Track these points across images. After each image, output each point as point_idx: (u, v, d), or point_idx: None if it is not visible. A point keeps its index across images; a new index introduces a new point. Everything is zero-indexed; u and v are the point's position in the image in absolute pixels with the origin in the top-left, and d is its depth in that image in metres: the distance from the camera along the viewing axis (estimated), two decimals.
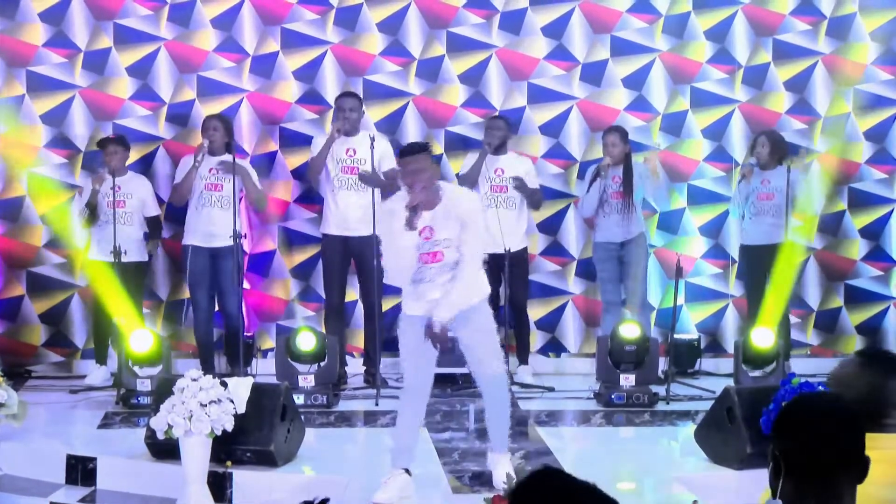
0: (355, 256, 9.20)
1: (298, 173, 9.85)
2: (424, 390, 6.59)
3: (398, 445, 6.60)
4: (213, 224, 9.02)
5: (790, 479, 2.86)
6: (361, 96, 9.60)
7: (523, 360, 9.45)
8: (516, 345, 9.41)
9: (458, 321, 6.43)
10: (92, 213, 9.11)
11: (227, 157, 8.92)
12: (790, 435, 2.90)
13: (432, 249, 6.37)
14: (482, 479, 6.85)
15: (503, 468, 6.42)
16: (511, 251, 8.86)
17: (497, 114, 9.70)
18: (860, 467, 2.90)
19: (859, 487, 2.96)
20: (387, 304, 9.68)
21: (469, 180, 9.32)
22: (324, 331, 9.13)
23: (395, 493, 6.46)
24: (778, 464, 2.88)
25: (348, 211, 9.09)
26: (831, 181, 10.03)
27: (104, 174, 9.08)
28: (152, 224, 9.43)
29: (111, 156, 9.16)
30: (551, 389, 9.15)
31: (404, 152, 6.45)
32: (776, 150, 9.41)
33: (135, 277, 9.14)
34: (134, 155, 9.63)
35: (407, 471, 6.55)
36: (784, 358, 9.40)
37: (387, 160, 9.16)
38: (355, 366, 9.64)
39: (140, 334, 8.57)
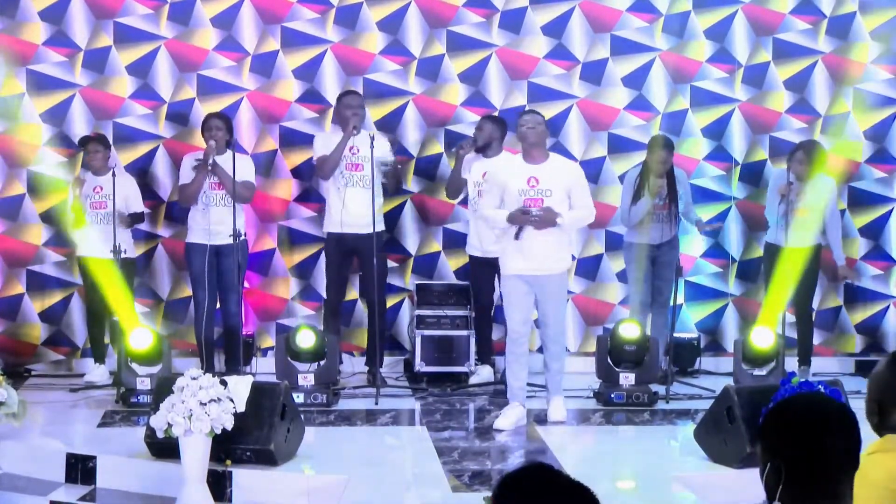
0: (359, 254, 9.19)
1: (298, 172, 9.85)
2: (526, 336, 8.05)
3: (512, 385, 8.03)
4: (217, 222, 9.02)
5: (791, 484, 2.83)
6: (361, 95, 9.58)
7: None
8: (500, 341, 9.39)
9: (539, 284, 7.89)
10: (78, 215, 9.09)
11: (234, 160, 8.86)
12: (791, 440, 2.85)
13: (536, 196, 7.83)
14: (482, 478, 6.85)
15: (557, 408, 8.06)
16: None
17: (489, 114, 9.63)
18: (855, 462, 2.89)
19: (879, 483, 2.96)
20: (387, 304, 9.69)
21: (452, 187, 9.36)
22: (322, 329, 9.13)
23: (512, 421, 7.93)
24: (778, 469, 2.84)
25: (356, 208, 9.06)
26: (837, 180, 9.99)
27: (82, 177, 9.07)
28: (135, 221, 9.30)
29: (92, 155, 9.14)
30: None
31: (526, 112, 8.35)
32: (815, 164, 9.23)
33: (125, 275, 9.09)
34: (134, 154, 9.65)
35: (521, 404, 8.06)
36: (805, 363, 9.39)
37: (386, 158, 9.24)
38: (354, 365, 9.64)
39: (139, 332, 8.57)
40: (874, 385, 3.48)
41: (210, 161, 9.00)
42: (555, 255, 7.93)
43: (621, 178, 9.73)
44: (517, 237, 7.84)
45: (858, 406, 5.61)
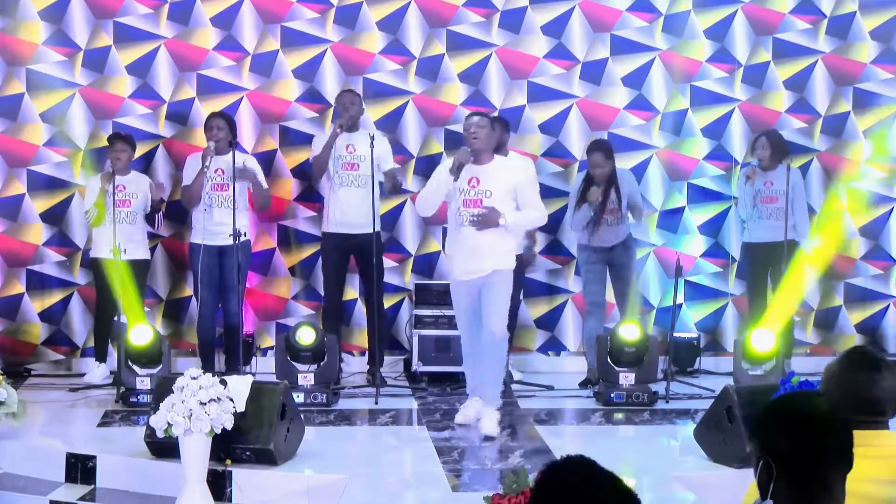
0: (357, 254, 9.20)
1: (298, 172, 9.85)
2: (477, 336, 7.71)
3: (471, 383, 7.99)
4: (220, 223, 9.02)
5: (783, 481, 2.85)
6: (362, 95, 9.60)
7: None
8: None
9: (482, 281, 7.62)
10: (101, 212, 9.10)
11: (236, 158, 8.84)
12: (783, 437, 2.88)
13: (475, 197, 7.60)
14: (482, 478, 6.85)
15: (490, 421, 7.63)
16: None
17: (492, 114, 9.64)
18: (849, 462, 2.91)
19: (853, 484, 2.97)
20: (386, 303, 9.69)
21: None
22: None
23: (471, 415, 7.87)
24: (769, 466, 2.87)
25: (350, 208, 9.07)
26: (832, 180, 10.04)
27: (110, 173, 9.08)
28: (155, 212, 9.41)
29: (119, 153, 9.16)
30: (550, 388, 9.16)
31: (473, 115, 7.87)
32: (777, 151, 9.36)
33: (137, 275, 9.13)
34: (134, 153, 9.64)
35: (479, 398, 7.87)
36: (785, 356, 9.40)
37: (386, 158, 9.21)
38: (354, 364, 9.65)
39: (139, 329, 8.57)
40: (823, 374, 3.56)
41: (207, 165, 9.00)
42: (496, 255, 7.64)
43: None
44: (455, 176, 7.58)
45: None
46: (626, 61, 9.99)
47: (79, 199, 9.58)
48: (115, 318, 8.99)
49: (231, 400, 6.60)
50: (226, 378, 6.84)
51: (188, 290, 9.68)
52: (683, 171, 10.04)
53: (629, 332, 8.70)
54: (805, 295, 9.70)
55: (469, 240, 7.61)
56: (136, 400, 8.37)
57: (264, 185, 9.29)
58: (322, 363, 8.69)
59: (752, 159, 9.49)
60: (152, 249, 9.68)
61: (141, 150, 9.71)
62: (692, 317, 10.09)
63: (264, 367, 9.23)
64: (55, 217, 9.70)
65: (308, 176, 9.83)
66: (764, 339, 8.63)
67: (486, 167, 7.65)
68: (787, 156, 9.42)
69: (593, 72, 9.98)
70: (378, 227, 9.03)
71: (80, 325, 9.79)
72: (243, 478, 6.75)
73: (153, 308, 9.78)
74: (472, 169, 7.64)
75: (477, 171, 7.64)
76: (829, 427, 2.89)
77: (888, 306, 10.19)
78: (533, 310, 9.96)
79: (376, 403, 8.60)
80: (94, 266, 9.33)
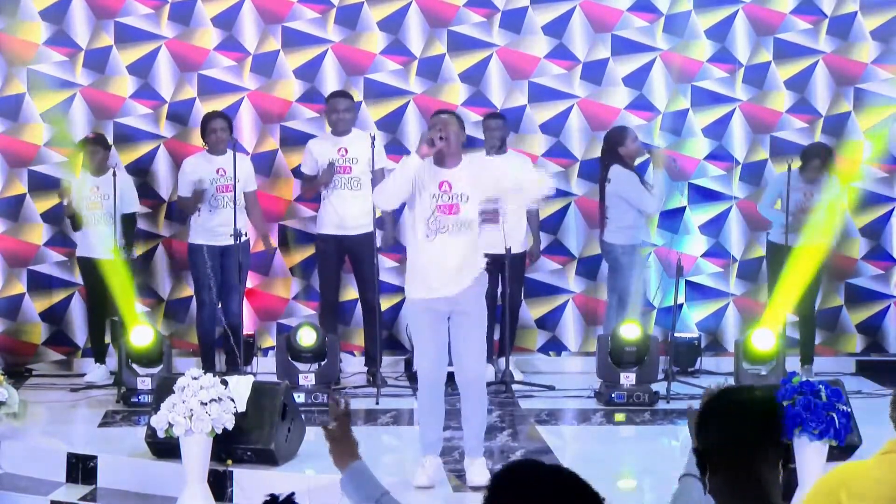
0: (351, 255, 9.21)
1: (299, 172, 9.85)
2: (442, 380, 6.77)
3: (427, 437, 6.81)
4: (221, 224, 9.02)
5: (714, 474, 2.95)
6: (362, 95, 9.59)
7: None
8: (499, 340, 9.34)
9: (456, 301, 6.66)
10: (74, 219, 9.11)
11: (232, 159, 8.89)
12: (705, 433, 2.99)
13: (449, 202, 6.68)
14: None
15: (478, 473, 6.68)
16: (512, 252, 8.75)
17: (495, 112, 9.64)
18: (779, 451, 2.97)
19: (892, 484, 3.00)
20: (386, 303, 9.69)
21: None
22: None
23: (432, 475, 6.71)
24: (702, 460, 2.97)
25: (344, 210, 9.08)
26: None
27: (67, 187, 9.07)
28: (127, 221, 9.20)
29: (91, 156, 9.15)
30: (552, 388, 9.15)
31: (438, 112, 7.09)
32: (826, 166, 9.26)
33: (120, 275, 9.05)
34: (135, 154, 9.66)
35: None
36: (808, 362, 9.39)
37: (379, 159, 9.09)
38: (354, 365, 9.65)
39: (140, 330, 8.57)
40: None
41: (199, 208, 9.07)
42: (472, 269, 6.74)
43: None
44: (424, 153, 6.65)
45: (858, 406, 5.60)
46: (627, 61, 9.99)
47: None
48: (109, 319, 8.99)
49: (232, 400, 6.61)
50: (227, 378, 6.85)
51: (189, 290, 9.68)
52: (684, 172, 10.03)
53: (630, 332, 8.70)
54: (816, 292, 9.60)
55: (447, 250, 6.66)
56: (136, 400, 8.37)
57: (253, 186, 9.33)
58: (323, 363, 8.69)
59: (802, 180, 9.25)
60: (153, 250, 9.68)
61: (141, 150, 9.72)
62: (693, 317, 10.08)
63: (265, 367, 9.22)
64: (56, 217, 9.69)
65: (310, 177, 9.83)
66: (765, 338, 8.64)
67: (456, 170, 6.72)
68: (835, 168, 9.34)
69: (594, 72, 9.98)
70: (371, 228, 8.97)
71: (80, 325, 9.79)
72: (244, 478, 6.76)
73: (153, 308, 9.78)
74: (442, 172, 6.70)
75: (447, 175, 6.70)
76: (741, 420, 2.95)
77: (889, 306, 10.18)
78: (534, 310, 9.96)
79: (377, 404, 8.60)
80: (82, 266, 9.31)
